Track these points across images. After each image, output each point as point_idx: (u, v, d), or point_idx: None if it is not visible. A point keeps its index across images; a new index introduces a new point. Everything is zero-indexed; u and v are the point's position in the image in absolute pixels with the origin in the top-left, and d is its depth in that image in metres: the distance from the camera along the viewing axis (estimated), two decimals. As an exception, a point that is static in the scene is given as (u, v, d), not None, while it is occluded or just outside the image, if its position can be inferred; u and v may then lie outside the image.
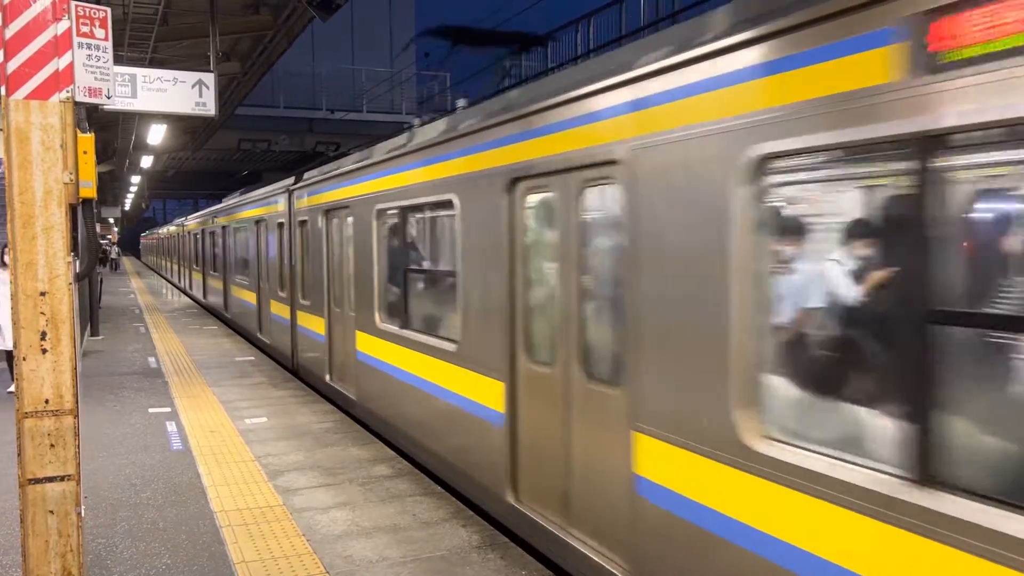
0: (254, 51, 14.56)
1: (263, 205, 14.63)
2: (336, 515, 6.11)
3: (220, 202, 22.83)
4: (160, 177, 39.27)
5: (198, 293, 25.93)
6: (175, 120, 14.86)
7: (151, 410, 9.81)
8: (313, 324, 10.98)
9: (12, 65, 3.80)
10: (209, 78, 9.99)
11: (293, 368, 12.42)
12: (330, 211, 10.12)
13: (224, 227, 19.78)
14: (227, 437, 8.46)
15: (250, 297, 15.97)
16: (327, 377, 10.40)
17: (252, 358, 14.10)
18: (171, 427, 8.92)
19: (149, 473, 7.23)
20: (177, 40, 12.97)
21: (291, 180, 12.48)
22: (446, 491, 6.68)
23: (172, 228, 39.09)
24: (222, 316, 20.25)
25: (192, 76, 9.91)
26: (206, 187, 46.89)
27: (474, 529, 5.80)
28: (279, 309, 13.18)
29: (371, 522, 5.96)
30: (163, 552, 5.43)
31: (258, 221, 14.99)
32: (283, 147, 30.51)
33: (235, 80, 16.18)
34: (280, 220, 12.96)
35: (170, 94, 9.70)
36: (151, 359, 13.95)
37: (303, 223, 11.57)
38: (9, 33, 3.79)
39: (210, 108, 10.00)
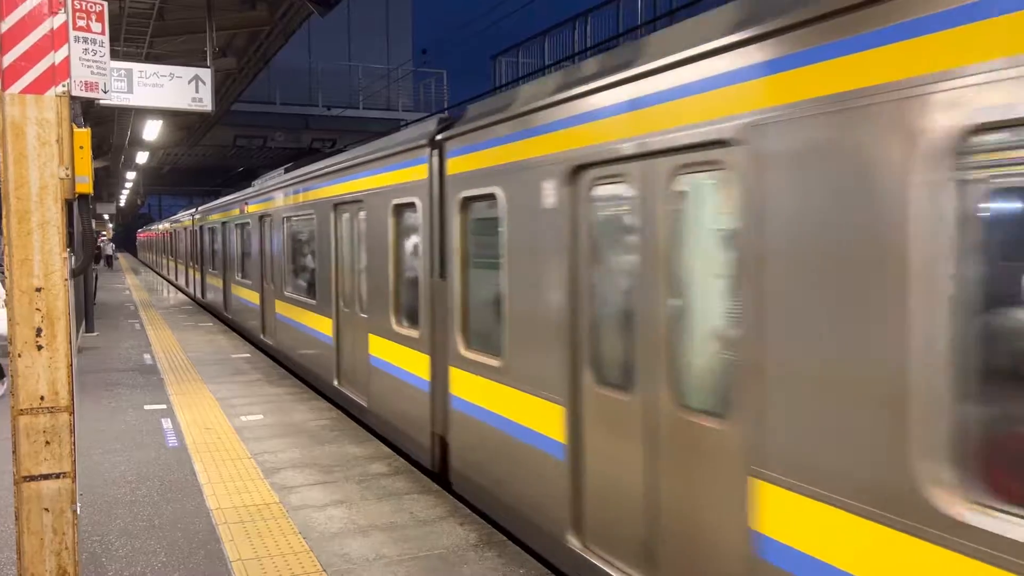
0: (251, 47, 14.49)
1: (354, 177, 8.98)
2: (333, 513, 6.09)
3: (250, 185, 16.99)
4: (155, 173, 39.15)
5: (213, 298, 20.97)
6: (171, 116, 14.80)
7: (146, 407, 9.78)
8: (514, 407, 5.49)
9: (8, 59, 3.77)
10: (206, 73, 9.95)
11: (434, 468, 6.94)
12: (589, 168, 4.67)
13: (263, 217, 14.15)
14: (223, 434, 8.43)
15: (318, 324, 10.51)
16: (573, 538, 4.82)
17: (248, 355, 14.05)
18: (167, 424, 8.88)
19: (145, 470, 7.20)
20: (173, 35, 12.90)
21: (433, 125, 7.01)
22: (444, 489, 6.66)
23: (179, 222, 31.63)
24: (256, 340, 15.08)
25: (189, 71, 9.87)
26: (202, 184, 46.73)
27: (471, 527, 5.79)
28: (395, 355, 7.76)
29: (368, 520, 5.95)
30: (159, 550, 5.41)
31: (339, 205, 9.62)
32: (279, 144, 30.42)
33: (231, 76, 16.11)
34: (403, 199, 7.46)
35: (166, 89, 9.66)
36: (146, 356, 13.90)
37: (472, 201, 6.19)
38: (5, 26, 3.76)
39: (206, 104, 9.96)
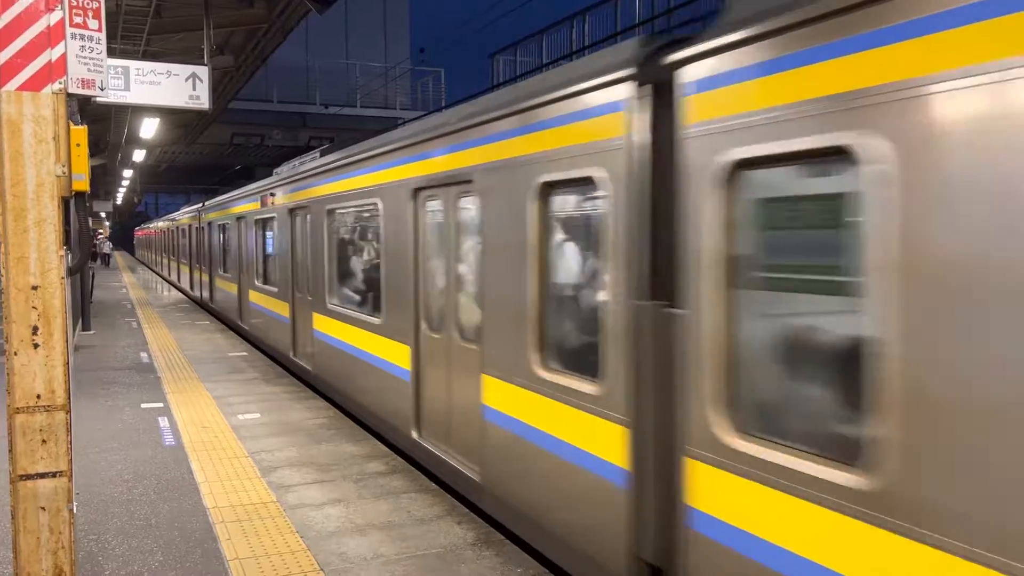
0: (248, 45, 14.47)
1: (453, 149, 6.29)
2: (330, 512, 6.08)
3: (271, 174, 14.59)
4: (152, 172, 39.08)
5: (225, 305, 18.10)
6: (168, 114, 14.77)
7: (143, 405, 9.76)
8: None
9: (4, 56, 3.75)
10: (203, 71, 9.93)
11: None
12: None
13: (295, 210, 11.54)
14: (220, 433, 8.41)
15: (384, 351, 7.86)
16: None
17: (244, 353, 14.03)
18: (163, 422, 8.86)
19: (141, 469, 7.18)
20: (171, 33, 12.88)
21: (635, 47, 4.27)
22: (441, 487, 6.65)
23: (180, 218, 28.00)
24: (283, 360, 12.50)
25: (186, 69, 9.85)
26: (199, 182, 46.69)
27: (469, 526, 5.78)
28: (542, 415, 5.11)
29: (365, 519, 5.93)
30: (156, 549, 5.39)
31: (423, 189, 6.95)
32: (276, 142, 30.40)
33: (229, 74, 16.09)
34: (562, 174, 4.86)
35: (164, 87, 9.64)
36: (143, 354, 13.87)
37: (755, 167, 3.49)
38: (1, 23, 3.74)
39: (204, 102, 9.94)
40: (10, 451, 3.88)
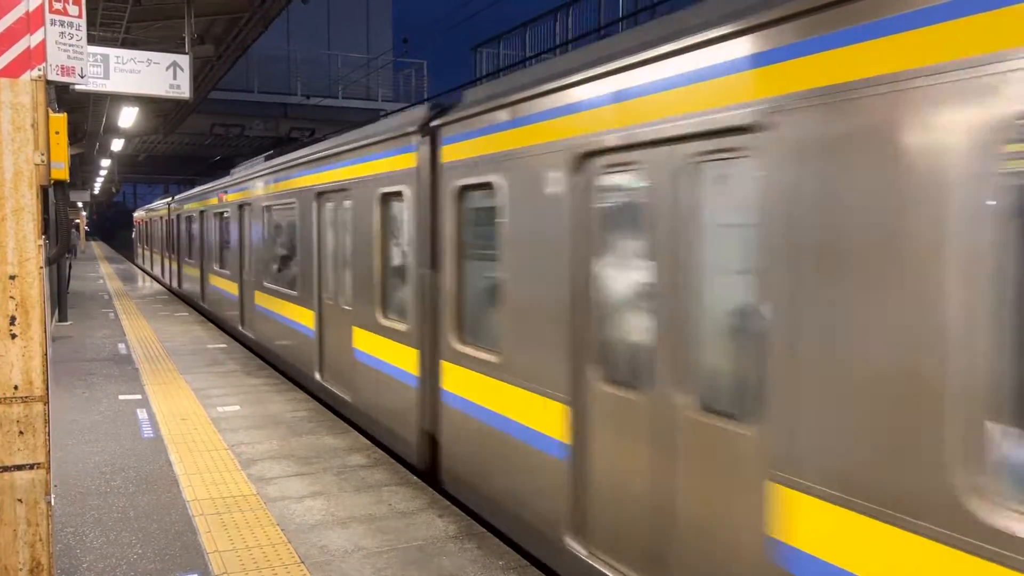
0: (229, 34, 14.32)
1: None
2: (311, 504, 6.06)
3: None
4: (130, 161, 38.64)
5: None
6: (147, 103, 14.61)
7: (121, 397, 9.67)
8: None
9: (-19, 41, 3.69)
10: (184, 60, 9.83)
11: None
12: None
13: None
14: (199, 425, 8.36)
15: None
16: None
17: (224, 345, 13.93)
18: (142, 414, 8.79)
19: (119, 461, 7.12)
20: (151, 21, 12.72)
21: None
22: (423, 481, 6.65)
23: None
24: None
25: (166, 58, 9.74)
26: (178, 172, 46.23)
27: (451, 519, 5.78)
28: None
29: (346, 512, 5.92)
30: (134, 542, 5.35)
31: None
32: (257, 132, 30.13)
33: (209, 63, 15.91)
34: None
35: (144, 76, 9.54)
36: (121, 345, 13.74)
37: None
38: (-22, 8, 3.68)
39: (184, 91, 9.85)
40: (-13, 443, 3.83)
